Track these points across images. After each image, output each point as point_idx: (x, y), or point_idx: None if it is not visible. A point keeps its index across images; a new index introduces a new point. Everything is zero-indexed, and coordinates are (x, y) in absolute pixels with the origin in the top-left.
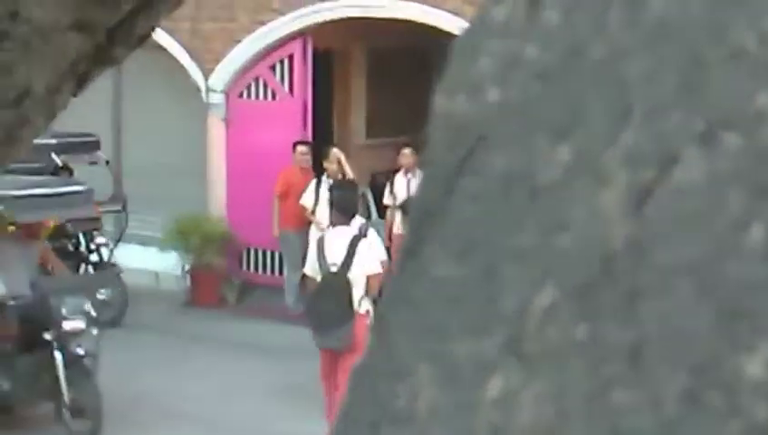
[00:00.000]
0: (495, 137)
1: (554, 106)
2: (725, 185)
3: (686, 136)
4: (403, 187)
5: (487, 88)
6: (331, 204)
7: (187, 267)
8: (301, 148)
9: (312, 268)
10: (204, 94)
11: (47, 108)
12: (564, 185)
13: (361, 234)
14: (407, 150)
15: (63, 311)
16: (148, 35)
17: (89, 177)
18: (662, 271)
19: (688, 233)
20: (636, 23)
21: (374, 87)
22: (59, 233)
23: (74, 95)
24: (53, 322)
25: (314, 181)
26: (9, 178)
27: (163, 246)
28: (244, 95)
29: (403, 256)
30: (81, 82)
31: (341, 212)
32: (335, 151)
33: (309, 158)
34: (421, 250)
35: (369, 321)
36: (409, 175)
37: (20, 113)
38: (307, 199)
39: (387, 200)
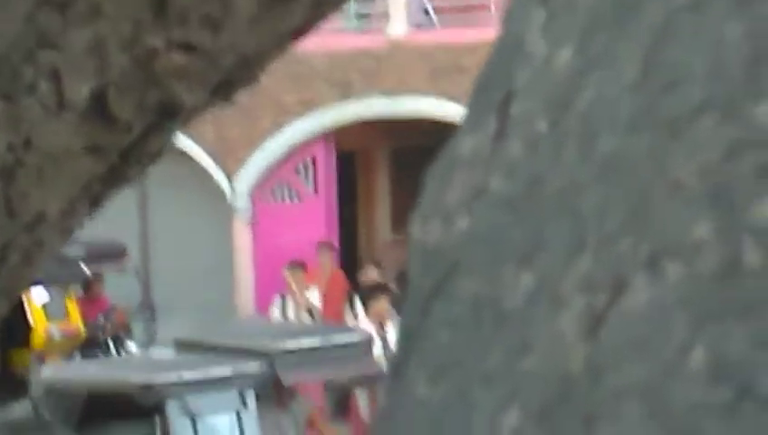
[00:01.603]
0: (465, 264)
1: (518, 235)
2: (669, 311)
3: (634, 264)
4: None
5: (457, 217)
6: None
7: None
8: (326, 249)
9: None
10: (229, 198)
11: (61, 230)
12: (527, 310)
13: None
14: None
15: None
16: (160, 153)
17: (116, 284)
18: (614, 394)
19: (637, 357)
20: (588, 157)
21: (398, 185)
22: (90, 341)
23: (89, 216)
24: None
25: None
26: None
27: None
28: (269, 198)
29: (389, 376)
30: (94, 202)
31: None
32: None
33: (332, 257)
34: (404, 371)
35: None
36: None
37: (35, 237)
38: None
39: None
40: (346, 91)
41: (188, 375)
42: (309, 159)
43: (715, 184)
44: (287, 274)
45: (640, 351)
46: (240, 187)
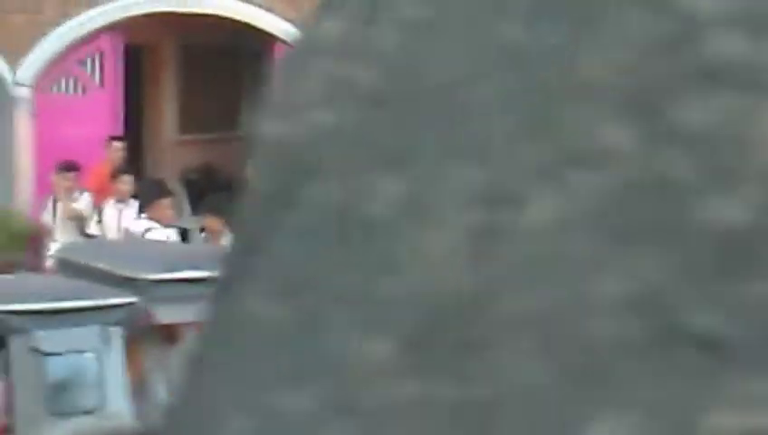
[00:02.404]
0: (325, 167)
1: (389, 135)
2: (575, 230)
3: (533, 174)
4: (113, 218)
5: (317, 112)
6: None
7: None
8: (116, 144)
9: None
10: (9, 87)
11: None
12: (395, 223)
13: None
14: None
15: None
16: None
17: None
18: (502, 323)
19: (533, 282)
20: (479, 47)
21: (186, 83)
22: None
23: None
24: None
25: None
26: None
27: None
28: (53, 89)
29: (219, 291)
30: None
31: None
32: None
33: (123, 154)
34: (240, 287)
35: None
36: (121, 205)
37: None
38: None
39: (93, 230)
40: None
41: (36, 305)
42: (96, 52)
43: (637, 83)
44: (55, 178)
45: (538, 275)
46: (22, 76)
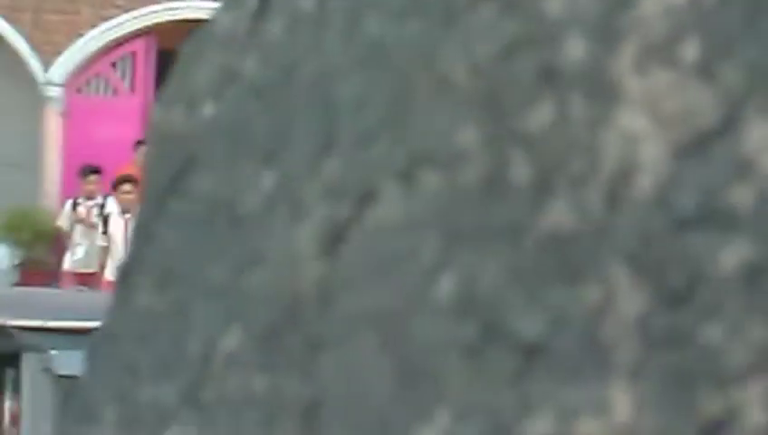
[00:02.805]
0: (205, 156)
1: (264, 127)
2: (421, 228)
3: (386, 170)
4: (119, 229)
5: (203, 102)
6: None
7: (16, 262)
8: (142, 149)
9: None
10: (42, 86)
11: None
12: (264, 216)
13: None
14: (127, 186)
15: None
16: None
17: None
18: (347, 320)
19: (378, 280)
20: (351, 42)
21: None
22: None
23: None
24: None
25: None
26: None
27: None
28: (84, 90)
29: (117, 280)
30: None
31: None
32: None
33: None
34: (132, 276)
35: None
36: (128, 215)
37: None
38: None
39: (99, 241)
40: None
41: (52, 322)
42: (128, 55)
43: (488, 84)
44: (81, 181)
45: (383, 273)
46: (54, 76)
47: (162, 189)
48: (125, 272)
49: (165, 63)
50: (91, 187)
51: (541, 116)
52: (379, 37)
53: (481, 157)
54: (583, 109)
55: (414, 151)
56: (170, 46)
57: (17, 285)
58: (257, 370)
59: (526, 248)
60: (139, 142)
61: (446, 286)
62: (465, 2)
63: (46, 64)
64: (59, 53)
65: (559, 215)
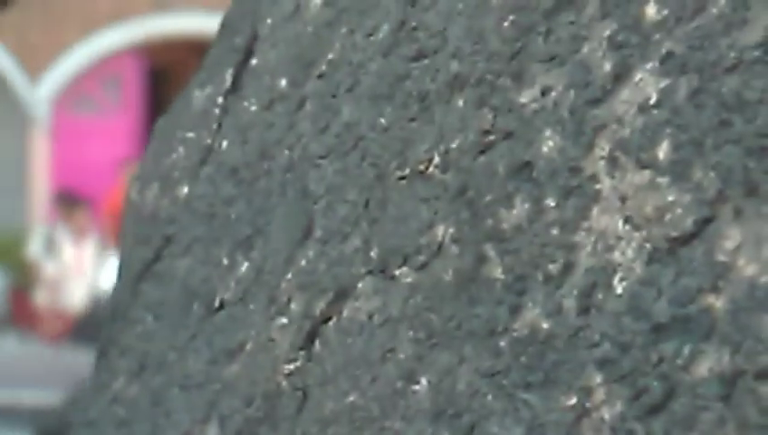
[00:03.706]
0: (181, 239)
1: (240, 212)
2: (396, 327)
3: (362, 267)
4: (72, 257)
5: (178, 182)
6: None
7: (4, 287)
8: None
9: None
10: (28, 107)
11: None
12: (241, 306)
13: None
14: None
15: None
16: None
17: None
18: (323, 420)
19: (354, 380)
20: (325, 127)
21: None
22: None
23: None
24: None
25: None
26: None
27: None
28: (72, 110)
29: (96, 358)
30: None
31: None
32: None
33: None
34: (107, 358)
35: None
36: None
37: None
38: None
39: (49, 271)
40: (162, 4)
41: None
42: (117, 73)
43: (462, 178)
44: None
45: (358, 373)
46: (40, 95)
47: (138, 272)
48: (102, 353)
49: (155, 82)
50: (73, 218)
51: (515, 213)
52: (352, 122)
53: (456, 253)
54: (558, 207)
55: (389, 247)
56: (159, 65)
57: (7, 314)
58: None
59: (502, 351)
60: (124, 161)
61: (422, 389)
62: (441, 91)
63: (33, 83)
64: (45, 71)
65: (534, 317)
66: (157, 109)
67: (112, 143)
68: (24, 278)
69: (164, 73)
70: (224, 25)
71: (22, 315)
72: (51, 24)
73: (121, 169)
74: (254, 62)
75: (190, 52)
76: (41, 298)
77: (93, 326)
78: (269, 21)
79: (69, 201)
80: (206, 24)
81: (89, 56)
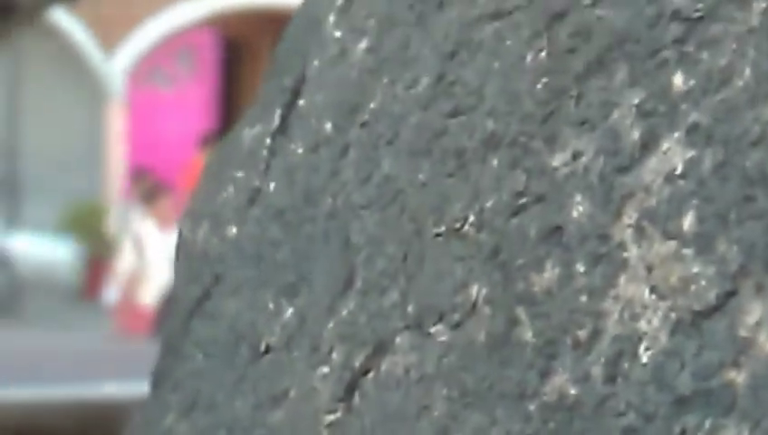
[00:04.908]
0: (229, 278)
1: (286, 256)
2: (431, 384)
3: (400, 322)
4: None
5: (227, 221)
6: None
7: (82, 258)
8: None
9: None
10: (103, 80)
11: None
12: (285, 352)
13: None
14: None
15: None
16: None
17: None
18: None
19: (388, 432)
20: (366, 177)
21: None
22: None
23: None
24: None
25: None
26: None
27: (58, 234)
28: (147, 83)
29: (150, 388)
30: None
31: None
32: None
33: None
34: (160, 392)
35: None
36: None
37: None
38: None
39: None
40: None
41: None
42: (191, 46)
43: (496, 240)
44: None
45: (394, 427)
46: (116, 69)
47: (189, 308)
48: (154, 384)
49: (231, 55)
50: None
51: (546, 277)
52: (392, 175)
53: (489, 314)
54: (587, 273)
55: (425, 303)
56: (234, 37)
57: (83, 283)
58: None
59: (531, 415)
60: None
61: None
62: (476, 149)
63: (107, 57)
64: (119, 44)
65: (562, 382)
66: (230, 81)
67: (187, 116)
68: (103, 251)
69: (237, 45)
70: (275, 63)
71: (98, 287)
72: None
73: (198, 143)
74: (301, 102)
75: (262, 23)
76: (115, 295)
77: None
78: (316, 63)
79: (151, 189)
80: None
81: (163, 30)
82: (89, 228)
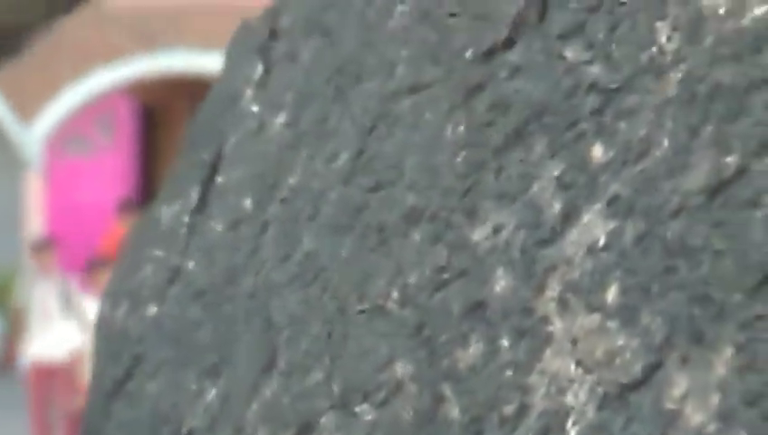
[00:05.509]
0: (151, 360)
1: (207, 337)
2: None
3: (324, 402)
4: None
5: (147, 301)
6: None
7: (3, 328)
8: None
9: None
10: (21, 149)
11: None
12: (209, 434)
13: None
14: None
15: None
16: None
17: None
18: None
19: None
20: (286, 255)
21: None
22: None
23: None
24: None
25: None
26: None
27: None
28: (66, 151)
29: None
30: None
31: None
32: None
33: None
34: None
35: None
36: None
37: None
38: None
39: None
40: (151, 44)
41: None
42: (110, 112)
43: (420, 317)
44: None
45: None
46: (34, 137)
47: (110, 390)
48: None
49: (149, 121)
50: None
51: (471, 353)
52: (312, 252)
53: (415, 392)
54: (512, 348)
55: (350, 382)
56: (151, 103)
57: (4, 357)
58: None
59: None
60: (123, 203)
61: None
62: (398, 224)
63: (24, 123)
64: (37, 112)
65: None
66: (148, 148)
67: (105, 183)
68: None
69: (154, 112)
70: (191, 137)
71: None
72: (43, 66)
73: (116, 210)
74: (219, 179)
75: (179, 89)
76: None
77: None
78: (233, 138)
79: (39, 244)
80: (194, 62)
81: (81, 97)
82: (4, 300)
